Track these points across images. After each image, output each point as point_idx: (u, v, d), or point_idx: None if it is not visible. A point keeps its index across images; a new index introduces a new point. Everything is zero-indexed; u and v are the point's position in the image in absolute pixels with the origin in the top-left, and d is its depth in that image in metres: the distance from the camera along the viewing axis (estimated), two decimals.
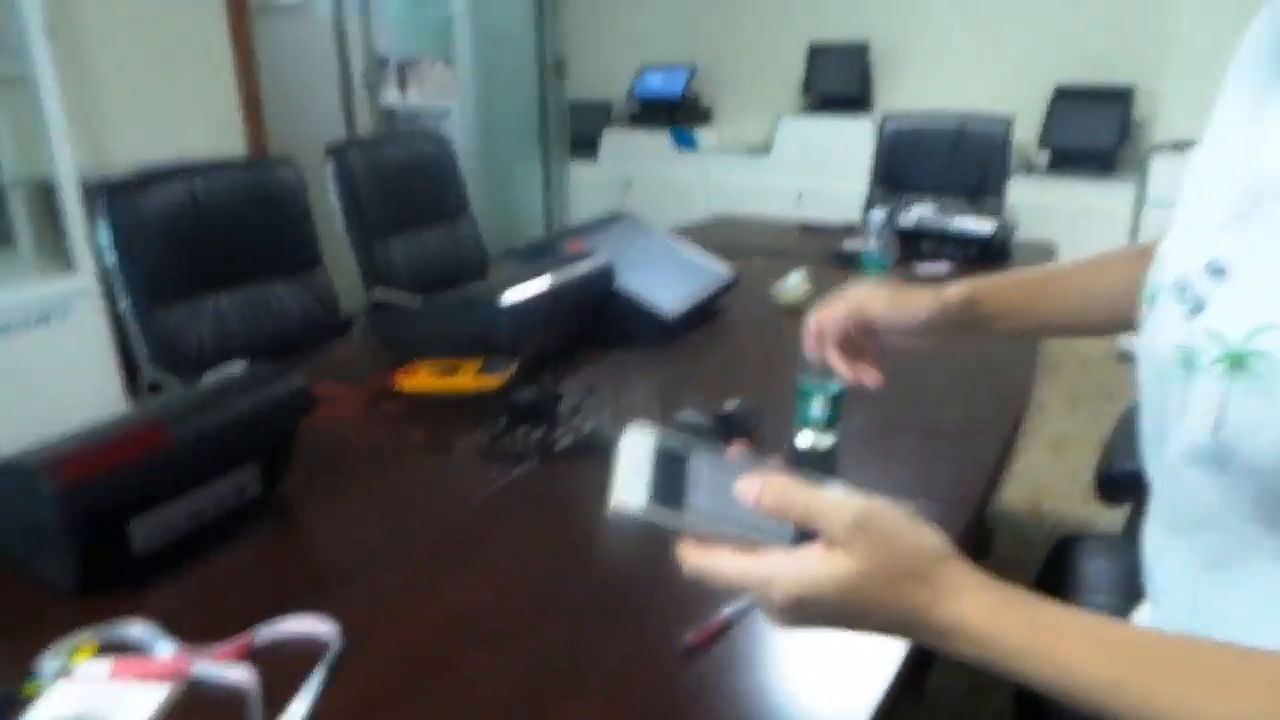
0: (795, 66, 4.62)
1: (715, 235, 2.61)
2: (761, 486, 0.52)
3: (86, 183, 2.86)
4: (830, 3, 4.62)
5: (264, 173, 2.14)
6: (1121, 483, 1.39)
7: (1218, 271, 0.57)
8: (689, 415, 1.20)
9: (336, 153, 2.43)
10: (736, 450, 0.56)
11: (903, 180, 3.22)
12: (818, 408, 1.16)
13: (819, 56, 4.53)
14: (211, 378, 1.03)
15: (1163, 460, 0.63)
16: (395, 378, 1.35)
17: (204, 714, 0.73)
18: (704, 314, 1.73)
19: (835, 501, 0.51)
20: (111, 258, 1.86)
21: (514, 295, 1.37)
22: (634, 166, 4.97)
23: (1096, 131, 3.94)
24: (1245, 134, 0.61)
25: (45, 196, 2.87)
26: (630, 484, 0.52)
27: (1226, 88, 0.67)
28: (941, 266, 2.07)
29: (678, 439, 0.55)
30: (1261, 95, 0.61)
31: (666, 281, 1.68)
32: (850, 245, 2.07)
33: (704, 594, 0.84)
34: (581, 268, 1.54)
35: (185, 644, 0.80)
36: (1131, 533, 1.69)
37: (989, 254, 2.12)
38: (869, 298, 0.94)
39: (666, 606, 0.86)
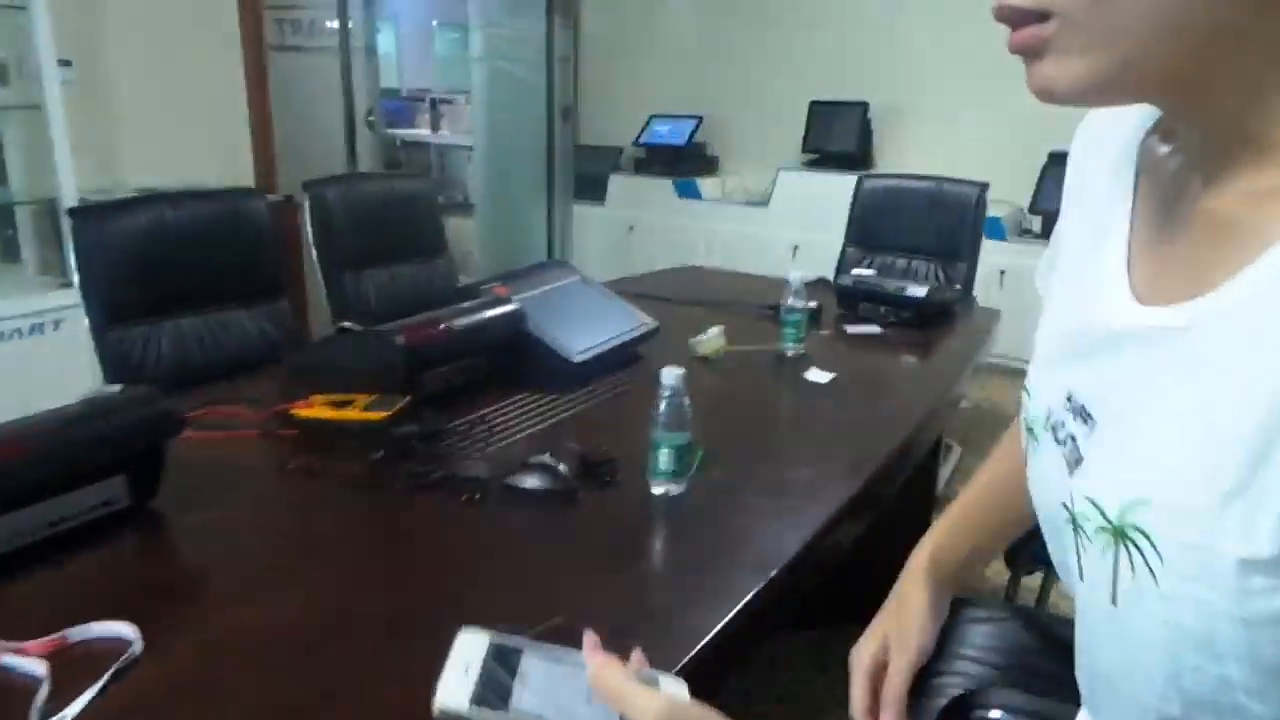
0: (797, 122, 4.72)
1: (672, 283, 2.69)
2: (591, 674, 0.59)
3: (85, 203, 3.04)
4: (833, 62, 4.73)
5: (231, 203, 2.26)
6: (1029, 554, 1.41)
7: (1083, 415, 0.55)
8: (547, 459, 1.26)
9: (312, 188, 2.56)
10: (588, 640, 0.62)
11: (878, 239, 3.27)
12: (665, 460, 1.22)
13: (819, 113, 4.63)
14: (90, 397, 1.12)
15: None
16: (292, 406, 1.43)
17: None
18: (618, 360, 1.80)
19: (645, 695, 0.57)
20: (75, 277, 1.98)
21: (410, 334, 1.46)
22: (638, 211, 5.09)
23: None
24: (1087, 261, 0.59)
25: (53, 216, 3.05)
26: (456, 684, 0.56)
27: (1071, 189, 0.66)
28: (871, 328, 2.12)
29: (511, 639, 0.60)
30: (1103, 221, 0.59)
31: (582, 327, 1.75)
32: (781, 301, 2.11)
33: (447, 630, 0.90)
34: (489, 311, 1.62)
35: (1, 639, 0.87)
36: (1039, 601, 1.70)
37: (925, 318, 2.16)
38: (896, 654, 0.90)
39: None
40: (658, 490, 1.24)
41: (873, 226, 3.27)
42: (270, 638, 0.92)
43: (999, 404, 3.91)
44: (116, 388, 1.17)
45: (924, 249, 3.19)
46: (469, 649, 0.58)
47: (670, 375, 1.22)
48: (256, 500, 1.25)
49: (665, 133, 5.06)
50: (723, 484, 1.30)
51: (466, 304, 1.63)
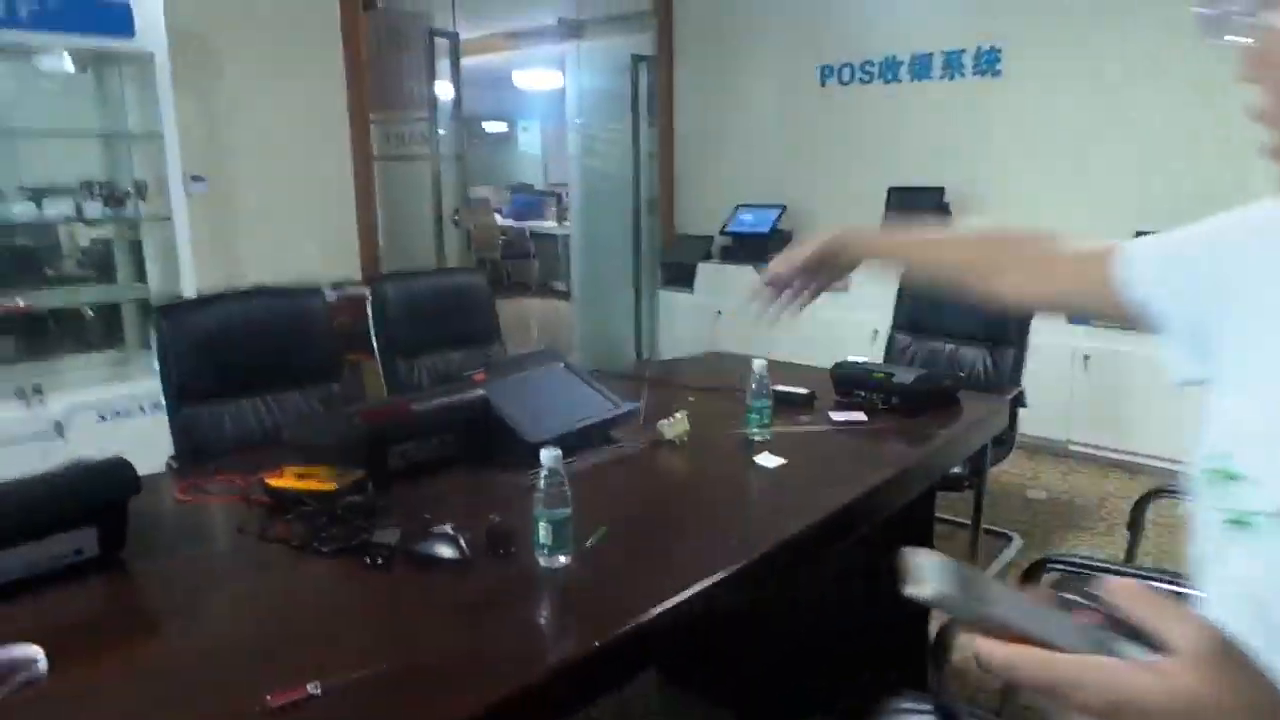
0: (876, 207, 4.76)
1: (691, 368, 2.80)
2: (1118, 584, 0.50)
3: (173, 303, 3.52)
4: (910, 149, 4.77)
5: (294, 299, 2.59)
6: None
7: None
8: (449, 529, 1.41)
9: (374, 283, 2.88)
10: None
11: (925, 325, 3.26)
12: (544, 533, 1.34)
13: (897, 198, 4.66)
14: (69, 462, 1.37)
15: None
16: (267, 476, 1.65)
17: None
18: (586, 442, 1.92)
19: (1194, 619, 0.47)
20: (157, 365, 2.33)
21: (369, 415, 1.66)
22: (724, 298, 5.23)
23: None
24: None
25: None
26: (930, 572, 0.51)
27: (1240, 295, 0.68)
28: (856, 415, 2.15)
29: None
30: None
31: (549, 410, 1.90)
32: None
33: (291, 668, 1.05)
34: (455, 396, 1.80)
35: None
36: None
37: (914, 404, 2.16)
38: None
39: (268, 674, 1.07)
40: (542, 561, 1.36)
41: (919, 311, 3.27)
42: (162, 667, 1.11)
43: (1079, 494, 3.71)
44: (97, 456, 1.42)
45: (971, 335, 3.15)
46: (931, 566, 0.52)
47: (548, 457, 1.34)
48: (208, 555, 1.47)
49: (750, 221, 5.22)
50: (610, 557, 1.40)
51: (439, 388, 1.82)
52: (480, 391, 1.83)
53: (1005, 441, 2.95)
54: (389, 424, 1.69)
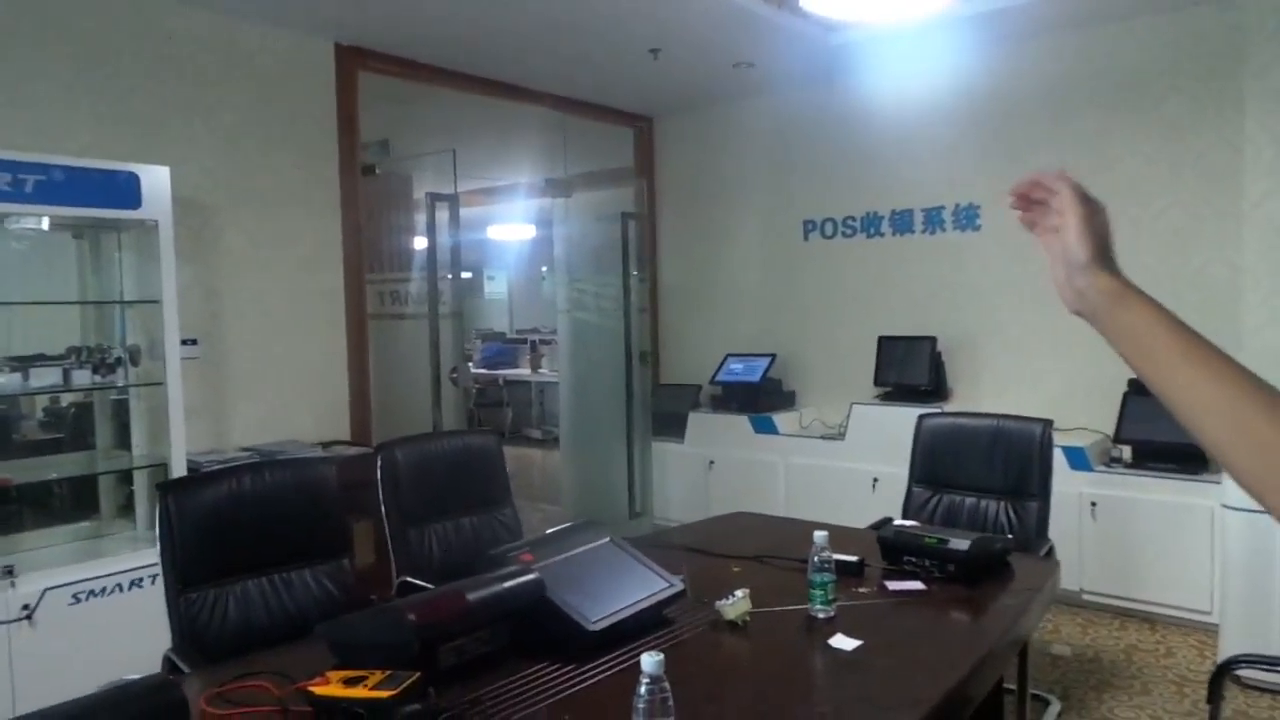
0: (869, 356, 4.81)
1: (719, 531, 2.69)
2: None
3: (194, 464, 3.35)
4: (899, 299, 4.89)
5: (302, 470, 2.45)
6: None
7: None
8: None
9: (383, 449, 2.77)
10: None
11: (944, 478, 3.22)
12: None
13: (888, 348, 4.72)
14: (108, 686, 1.21)
15: None
16: (309, 684, 1.49)
17: None
18: (641, 625, 1.80)
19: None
20: (156, 545, 2.16)
21: (422, 612, 1.52)
22: (716, 448, 5.17)
23: (1176, 427, 3.81)
24: None
25: (165, 478, 3.36)
26: None
27: None
28: (914, 584, 2.06)
29: None
30: None
31: (603, 593, 1.78)
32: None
33: None
34: (508, 582, 1.67)
35: None
36: None
37: (971, 571, 2.08)
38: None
39: None
40: None
41: (938, 465, 3.23)
42: None
43: (1104, 649, 3.60)
44: (135, 676, 1.26)
45: (992, 488, 3.11)
46: None
47: (651, 663, 1.23)
48: None
49: (740, 370, 5.23)
50: None
51: (488, 575, 1.70)
52: (535, 575, 1.71)
53: None
54: (446, 621, 1.56)
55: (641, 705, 1.21)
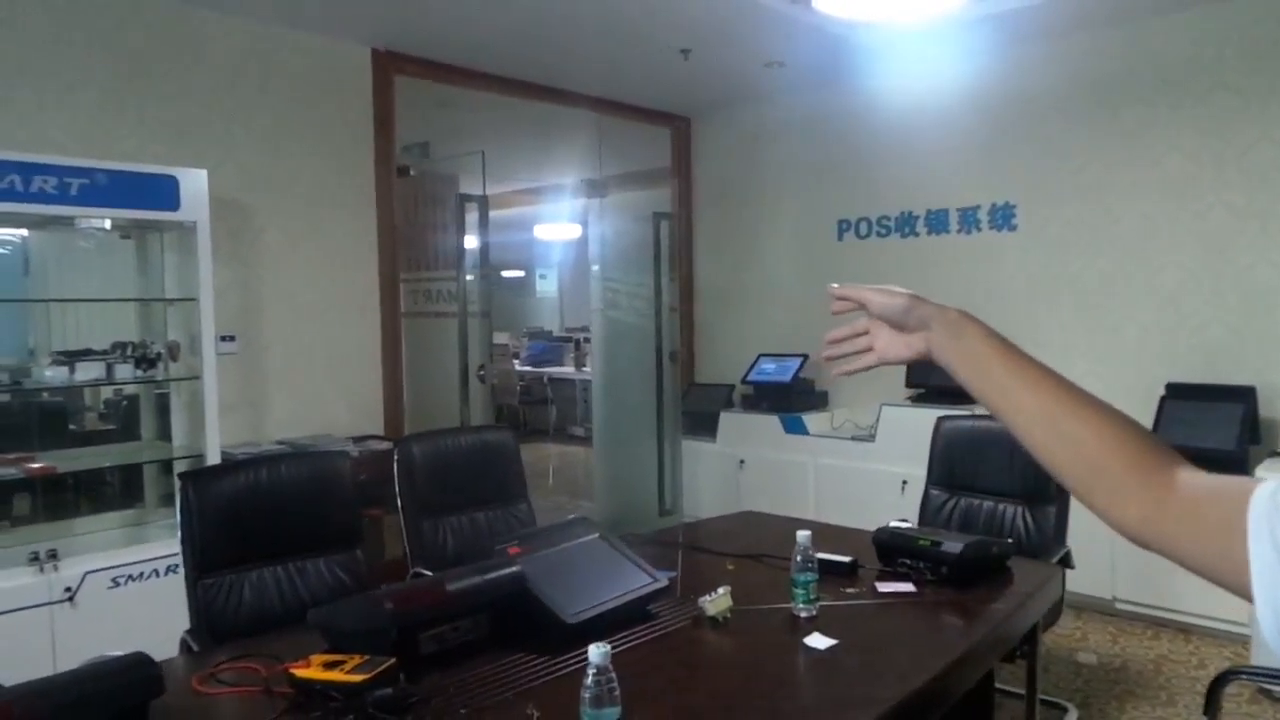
0: None
1: (725, 530, 2.71)
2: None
3: (228, 456, 3.49)
4: (933, 296, 4.81)
5: (319, 463, 2.55)
6: None
7: None
8: None
9: (400, 444, 2.85)
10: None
11: (961, 480, 3.18)
12: None
13: None
14: (88, 662, 1.30)
15: None
16: (292, 666, 1.56)
17: None
18: (623, 619, 1.83)
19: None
20: (179, 532, 2.27)
21: (399, 600, 1.58)
22: (747, 447, 5.17)
23: (1215, 431, 3.71)
24: None
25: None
26: None
27: None
28: (905, 586, 2.05)
29: None
30: None
31: (585, 586, 1.82)
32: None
33: None
34: (488, 573, 1.73)
35: None
36: None
37: (965, 574, 2.07)
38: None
39: None
40: None
41: (955, 467, 3.19)
42: None
43: (1132, 658, 3.51)
44: (119, 653, 1.35)
45: (1010, 492, 3.07)
46: None
47: (597, 654, 1.26)
48: None
49: (772, 370, 5.22)
50: None
51: (469, 566, 1.75)
52: (516, 568, 1.76)
53: (1055, 606, 2.81)
54: (423, 609, 1.62)
55: (588, 695, 1.25)
